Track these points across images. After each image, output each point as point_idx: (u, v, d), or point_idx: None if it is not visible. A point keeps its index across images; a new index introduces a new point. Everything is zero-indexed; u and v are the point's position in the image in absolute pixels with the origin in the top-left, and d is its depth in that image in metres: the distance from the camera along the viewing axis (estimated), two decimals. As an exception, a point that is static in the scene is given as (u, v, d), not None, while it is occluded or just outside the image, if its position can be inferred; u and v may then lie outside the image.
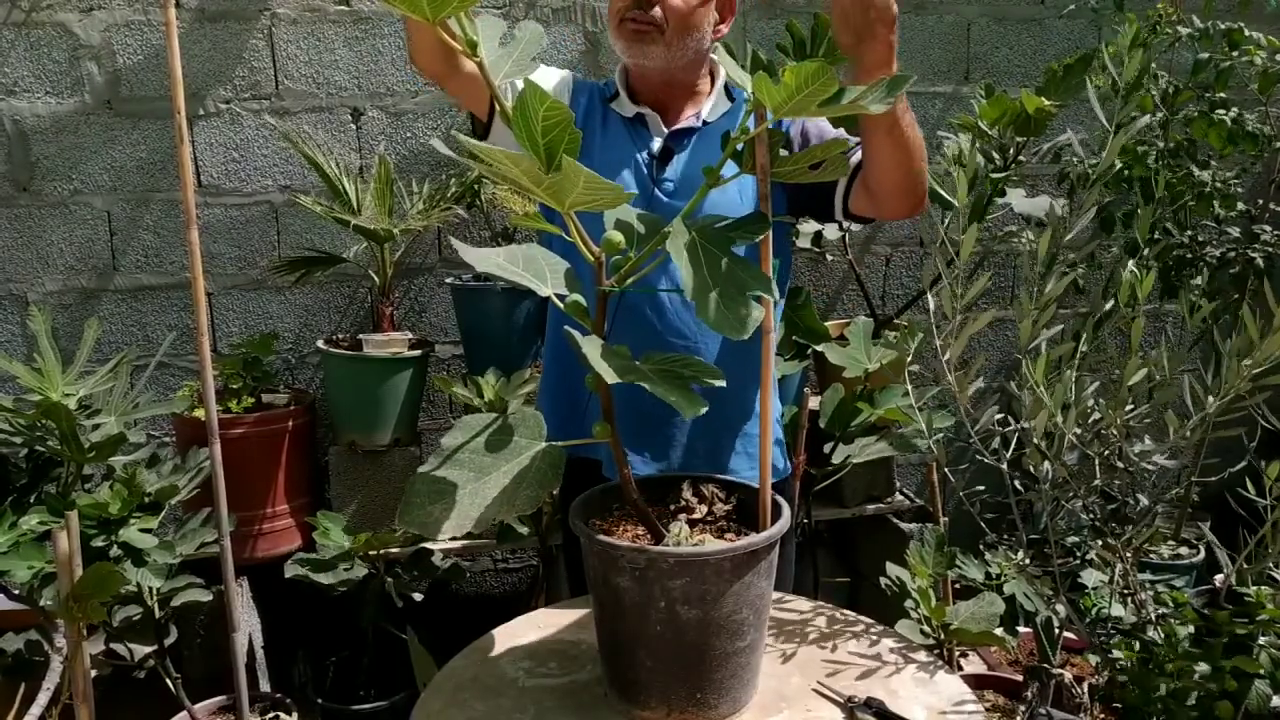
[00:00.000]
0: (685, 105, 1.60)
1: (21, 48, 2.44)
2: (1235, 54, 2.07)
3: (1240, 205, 2.16)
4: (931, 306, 1.45)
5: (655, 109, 1.58)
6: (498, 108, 1.04)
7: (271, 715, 2.20)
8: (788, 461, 1.74)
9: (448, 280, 2.64)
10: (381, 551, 2.28)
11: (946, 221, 1.42)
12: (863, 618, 1.42)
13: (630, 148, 1.57)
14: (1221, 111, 2.07)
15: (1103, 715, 1.75)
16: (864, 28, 1.26)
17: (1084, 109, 3.00)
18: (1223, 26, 2.10)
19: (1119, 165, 1.97)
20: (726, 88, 1.63)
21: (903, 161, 1.40)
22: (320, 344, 2.44)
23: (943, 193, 1.35)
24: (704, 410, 0.97)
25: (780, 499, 1.19)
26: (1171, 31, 2.15)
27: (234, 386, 2.38)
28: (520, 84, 1.57)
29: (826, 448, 1.98)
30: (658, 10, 1.48)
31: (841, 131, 1.58)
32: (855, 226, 2.63)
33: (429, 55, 1.49)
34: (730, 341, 1.50)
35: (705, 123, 1.58)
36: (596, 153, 1.57)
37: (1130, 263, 1.43)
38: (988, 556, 1.96)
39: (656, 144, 1.57)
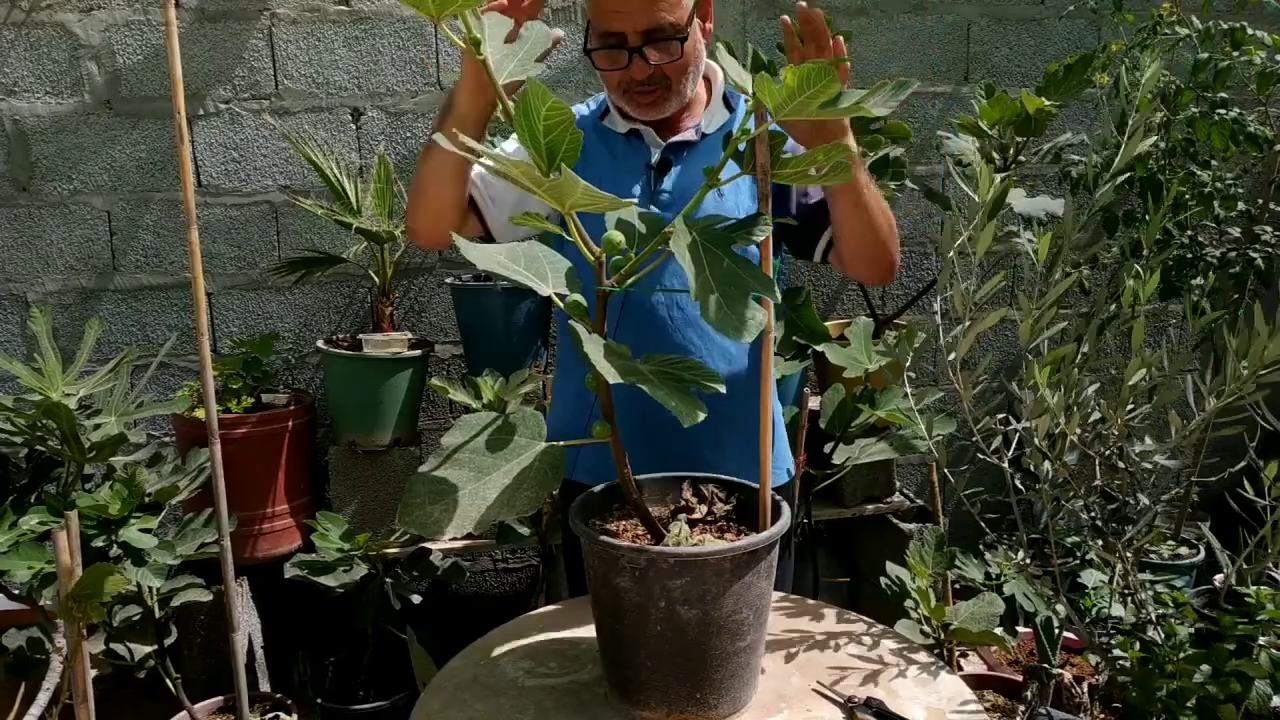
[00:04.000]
0: (682, 115, 1.56)
1: (21, 48, 2.44)
2: (1236, 54, 2.06)
3: (1240, 205, 2.16)
4: (939, 306, 1.44)
5: (649, 124, 1.55)
6: (500, 108, 1.03)
7: (271, 715, 2.20)
8: (792, 464, 1.73)
9: (448, 280, 2.64)
10: (381, 552, 2.28)
11: (957, 220, 1.41)
12: (863, 618, 1.42)
13: (628, 163, 1.55)
14: (1223, 111, 2.07)
15: (1103, 715, 1.75)
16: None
17: (1084, 109, 3.00)
18: (1225, 26, 2.09)
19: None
20: (725, 96, 1.59)
21: (865, 230, 1.42)
22: (320, 344, 2.44)
23: (966, 188, 1.33)
24: (702, 417, 0.96)
25: (780, 498, 1.19)
26: (1171, 32, 2.15)
27: (234, 386, 2.38)
28: (508, 146, 1.58)
29: (826, 448, 1.98)
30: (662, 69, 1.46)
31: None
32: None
33: (428, 232, 1.55)
34: (741, 350, 1.49)
35: (704, 135, 1.55)
36: (597, 174, 1.56)
37: (1136, 266, 1.43)
38: (988, 556, 1.95)
39: (654, 156, 1.55)
